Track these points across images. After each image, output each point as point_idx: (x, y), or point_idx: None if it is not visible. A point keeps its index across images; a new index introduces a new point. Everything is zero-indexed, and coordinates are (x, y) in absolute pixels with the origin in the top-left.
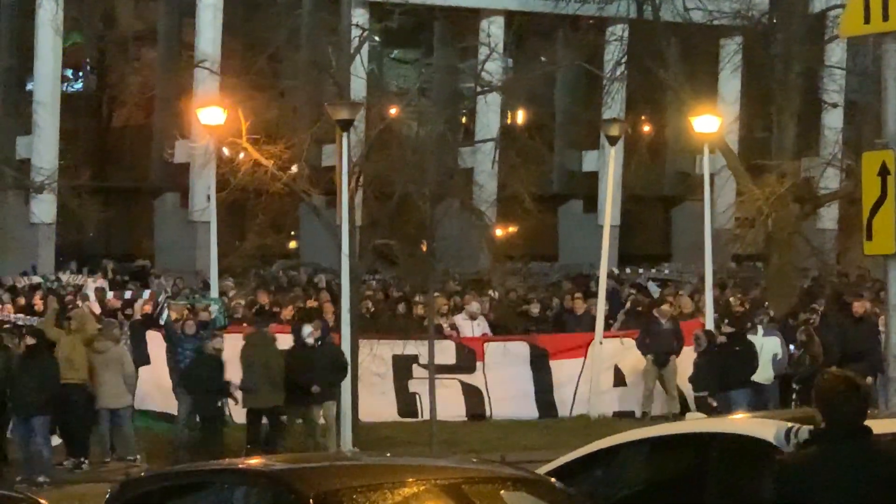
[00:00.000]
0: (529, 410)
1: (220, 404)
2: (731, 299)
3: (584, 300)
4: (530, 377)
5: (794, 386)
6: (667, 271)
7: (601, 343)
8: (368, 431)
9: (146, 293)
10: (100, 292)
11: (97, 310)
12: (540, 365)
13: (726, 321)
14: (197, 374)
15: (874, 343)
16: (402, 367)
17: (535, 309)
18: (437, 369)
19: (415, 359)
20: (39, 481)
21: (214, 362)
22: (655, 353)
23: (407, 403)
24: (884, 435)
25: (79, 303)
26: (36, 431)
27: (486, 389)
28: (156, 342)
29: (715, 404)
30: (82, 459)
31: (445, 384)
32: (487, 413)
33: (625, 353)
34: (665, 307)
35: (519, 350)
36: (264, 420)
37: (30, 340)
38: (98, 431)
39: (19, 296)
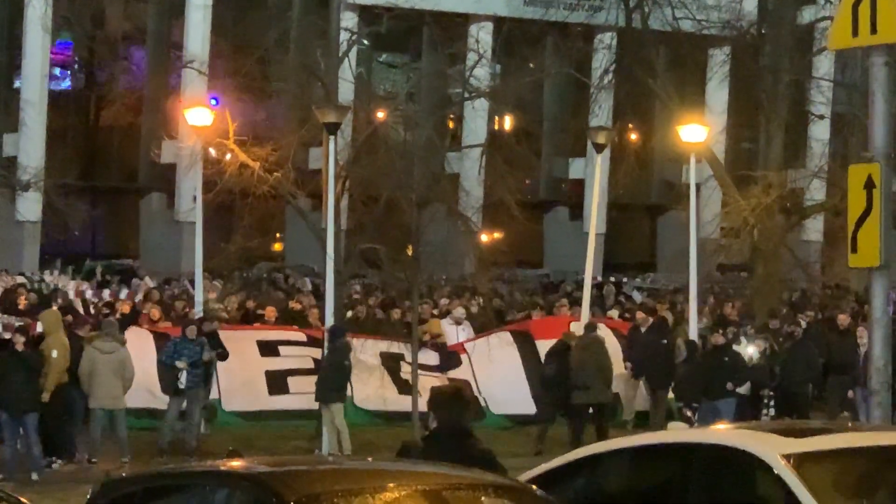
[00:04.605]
0: (525, 404)
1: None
2: (728, 308)
3: (570, 307)
4: (520, 366)
5: (769, 392)
6: (650, 280)
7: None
8: (350, 436)
9: (124, 292)
10: (80, 294)
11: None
12: (527, 350)
13: (720, 330)
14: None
15: (856, 356)
16: (390, 361)
17: (515, 315)
18: (422, 369)
19: (401, 357)
20: (33, 479)
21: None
22: (635, 362)
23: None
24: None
25: (54, 306)
26: (28, 429)
27: (476, 381)
28: (136, 340)
29: (690, 414)
30: (54, 458)
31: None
32: (482, 404)
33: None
34: (641, 316)
35: (504, 338)
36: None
37: (19, 338)
38: (91, 432)
39: None
